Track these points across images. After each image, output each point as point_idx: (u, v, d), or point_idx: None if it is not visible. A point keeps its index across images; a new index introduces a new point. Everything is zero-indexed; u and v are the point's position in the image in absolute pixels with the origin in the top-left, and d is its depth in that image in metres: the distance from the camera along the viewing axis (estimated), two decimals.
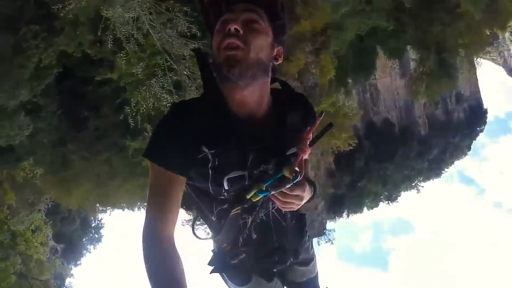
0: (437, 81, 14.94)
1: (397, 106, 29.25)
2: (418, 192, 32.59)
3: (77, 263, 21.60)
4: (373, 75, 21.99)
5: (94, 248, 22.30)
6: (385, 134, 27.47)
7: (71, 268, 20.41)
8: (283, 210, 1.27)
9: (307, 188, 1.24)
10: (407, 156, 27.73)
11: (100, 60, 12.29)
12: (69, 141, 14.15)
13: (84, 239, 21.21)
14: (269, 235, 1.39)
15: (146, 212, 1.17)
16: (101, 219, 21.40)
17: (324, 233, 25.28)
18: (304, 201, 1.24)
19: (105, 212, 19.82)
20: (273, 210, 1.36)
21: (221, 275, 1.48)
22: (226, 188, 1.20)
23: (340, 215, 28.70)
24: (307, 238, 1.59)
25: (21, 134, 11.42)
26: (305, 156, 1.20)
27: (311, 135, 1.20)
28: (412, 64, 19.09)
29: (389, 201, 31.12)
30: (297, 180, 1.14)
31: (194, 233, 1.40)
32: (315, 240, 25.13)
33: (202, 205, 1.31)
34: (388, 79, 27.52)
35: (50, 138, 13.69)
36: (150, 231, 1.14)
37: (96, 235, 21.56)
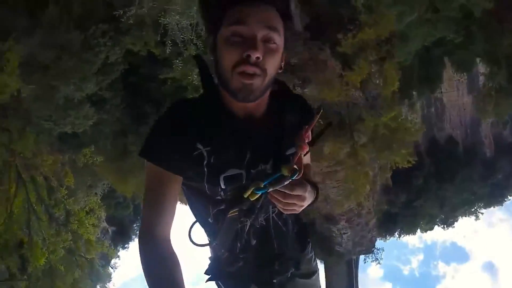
0: (507, 98, 13.70)
1: (462, 123, 27.24)
2: (476, 219, 30.05)
3: (125, 246, 22.94)
4: (439, 89, 20.75)
5: None
6: (448, 152, 25.70)
7: (119, 250, 21.83)
8: (285, 212, 1.22)
9: (309, 189, 1.19)
10: (469, 178, 25.62)
11: (165, 59, 12.97)
12: (130, 133, 15.12)
13: (135, 225, 22.46)
14: (269, 242, 1.33)
15: (142, 212, 1.17)
16: None
17: (372, 251, 24.27)
18: (306, 203, 1.20)
19: None
20: (273, 215, 1.31)
21: (217, 284, 1.40)
22: (223, 187, 1.17)
23: (391, 234, 27.40)
24: (309, 248, 1.52)
25: (85, 123, 12.39)
26: (304, 154, 1.15)
27: (310, 133, 1.16)
28: (481, 79, 17.73)
29: (445, 225, 29.10)
30: (296, 176, 1.10)
31: (190, 239, 1.35)
32: (361, 257, 24.23)
33: (199, 207, 1.29)
34: (455, 93, 25.73)
35: (112, 129, 14.73)
36: (146, 231, 1.14)
37: None
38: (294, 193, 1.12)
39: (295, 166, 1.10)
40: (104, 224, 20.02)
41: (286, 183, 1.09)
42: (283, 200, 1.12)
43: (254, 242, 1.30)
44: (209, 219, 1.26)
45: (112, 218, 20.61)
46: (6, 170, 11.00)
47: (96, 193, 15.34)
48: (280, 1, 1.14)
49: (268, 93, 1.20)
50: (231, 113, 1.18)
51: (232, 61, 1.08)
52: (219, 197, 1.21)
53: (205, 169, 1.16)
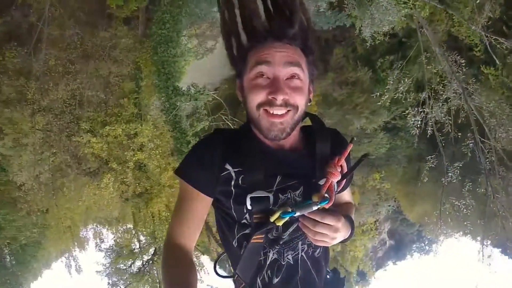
0: None
1: None
2: None
3: (396, 262, 21.99)
4: None
5: (418, 257, 21.86)
6: None
7: (387, 264, 21.43)
8: (315, 243, 1.15)
9: (343, 221, 1.12)
10: None
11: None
12: (422, 160, 14.65)
13: (414, 245, 21.24)
14: (292, 285, 1.21)
15: (169, 224, 1.23)
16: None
17: None
18: (339, 236, 1.13)
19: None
20: (303, 254, 1.22)
21: None
22: (249, 207, 1.14)
23: None
24: None
25: (378, 150, 13.17)
26: (338, 188, 1.12)
27: (343, 162, 1.13)
28: None
29: None
30: (325, 203, 1.07)
31: (215, 270, 1.43)
32: None
33: (226, 229, 1.26)
34: None
35: (405, 154, 14.72)
36: (169, 239, 1.19)
37: (427, 247, 20.98)
38: (325, 221, 1.07)
39: (325, 195, 1.08)
40: (385, 235, 20.29)
41: (314, 208, 1.06)
42: (313, 229, 1.08)
43: (276, 280, 1.19)
44: (234, 243, 1.22)
45: (394, 232, 20.47)
46: None
47: (379, 212, 15.84)
48: (299, 38, 1.14)
49: (298, 128, 1.21)
50: (263, 142, 1.20)
51: (258, 101, 1.11)
52: (244, 221, 1.18)
53: (233, 189, 1.16)
